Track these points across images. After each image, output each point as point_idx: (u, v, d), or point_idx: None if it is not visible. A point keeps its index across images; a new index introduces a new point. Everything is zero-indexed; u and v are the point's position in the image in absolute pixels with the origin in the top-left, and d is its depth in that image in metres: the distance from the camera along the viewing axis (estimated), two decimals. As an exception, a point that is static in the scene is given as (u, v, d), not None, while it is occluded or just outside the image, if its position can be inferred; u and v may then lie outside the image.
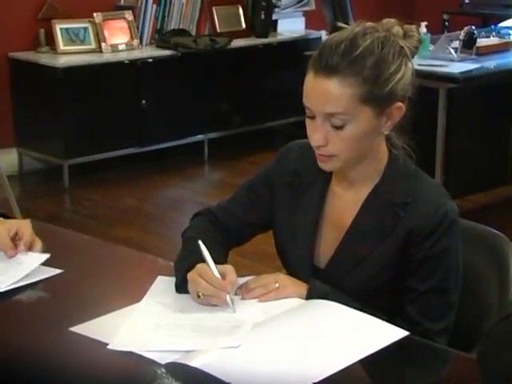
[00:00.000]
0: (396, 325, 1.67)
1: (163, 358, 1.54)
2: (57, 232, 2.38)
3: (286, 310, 1.71)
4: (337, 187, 1.87)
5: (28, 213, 4.04)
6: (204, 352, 1.55)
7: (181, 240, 1.95)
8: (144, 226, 4.70)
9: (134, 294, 1.80)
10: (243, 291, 1.79)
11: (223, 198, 2.03)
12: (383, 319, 1.67)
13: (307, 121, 1.76)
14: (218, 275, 1.74)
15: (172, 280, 1.82)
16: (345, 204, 1.85)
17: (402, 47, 1.74)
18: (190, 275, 1.76)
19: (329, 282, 1.79)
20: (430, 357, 1.66)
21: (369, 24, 1.76)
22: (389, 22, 1.76)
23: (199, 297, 1.74)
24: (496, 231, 2.00)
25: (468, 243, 2.00)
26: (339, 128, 1.71)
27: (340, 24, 1.79)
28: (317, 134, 1.73)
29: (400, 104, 1.75)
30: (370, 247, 1.79)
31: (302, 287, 1.79)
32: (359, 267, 1.80)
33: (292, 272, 1.88)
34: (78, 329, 1.66)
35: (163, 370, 1.52)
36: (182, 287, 1.79)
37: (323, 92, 1.69)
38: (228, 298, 1.72)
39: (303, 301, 1.76)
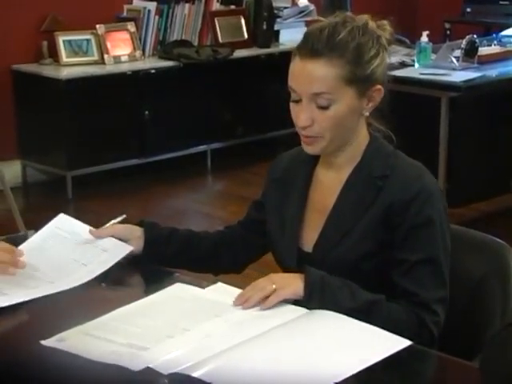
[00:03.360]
0: (394, 302, 1.75)
1: (166, 369, 1.54)
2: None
3: (290, 320, 1.70)
4: (320, 172, 1.94)
5: (32, 224, 4.03)
6: (207, 362, 1.55)
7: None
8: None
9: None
10: (241, 301, 1.75)
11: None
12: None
13: (292, 105, 1.86)
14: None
15: None
16: (328, 187, 1.92)
17: (379, 36, 1.86)
18: None
19: (315, 264, 1.81)
20: (431, 366, 1.66)
21: (348, 14, 1.89)
22: (362, 16, 1.88)
23: None
24: (499, 240, 2.01)
25: (471, 252, 2.00)
26: (325, 108, 1.81)
27: (318, 17, 1.90)
28: (303, 115, 1.83)
29: (380, 86, 1.86)
30: (352, 221, 1.84)
31: (298, 280, 1.76)
32: (342, 241, 1.84)
33: (280, 259, 1.94)
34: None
35: (166, 381, 1.52)
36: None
37: (310, 73, 1.81)
38: None
39: (299, 311, 1.75)
